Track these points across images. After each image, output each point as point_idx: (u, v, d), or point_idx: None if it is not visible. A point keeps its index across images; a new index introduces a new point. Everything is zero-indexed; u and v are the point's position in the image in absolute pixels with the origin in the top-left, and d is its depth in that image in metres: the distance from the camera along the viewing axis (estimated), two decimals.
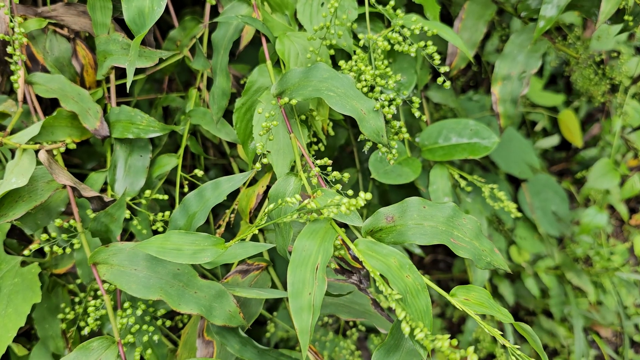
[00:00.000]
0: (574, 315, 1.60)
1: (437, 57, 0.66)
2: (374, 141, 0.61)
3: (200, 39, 0.85)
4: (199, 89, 0.85)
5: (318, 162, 0.64)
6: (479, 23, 0.95)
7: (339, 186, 0.59)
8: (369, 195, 0.47)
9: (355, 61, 0.67)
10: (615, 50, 1.37)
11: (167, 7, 0.93)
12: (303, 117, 0.68)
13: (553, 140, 1.81)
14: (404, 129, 0.68)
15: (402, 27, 0.67)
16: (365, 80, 0.64)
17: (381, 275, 0.48)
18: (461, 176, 0.93)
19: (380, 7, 0.69)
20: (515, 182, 1.69)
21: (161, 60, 0.90)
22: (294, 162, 0.64)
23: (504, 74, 0.90)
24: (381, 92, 0.65)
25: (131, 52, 0.57)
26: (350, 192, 0.56)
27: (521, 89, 0.89)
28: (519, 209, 1.66)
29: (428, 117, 1.06)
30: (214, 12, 0.87)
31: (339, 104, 0.60)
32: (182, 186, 0.79)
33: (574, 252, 1.73)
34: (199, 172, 0.76)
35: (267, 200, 0.64)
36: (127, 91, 0.61)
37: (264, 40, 0.72)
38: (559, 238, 1.80)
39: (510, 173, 1.57)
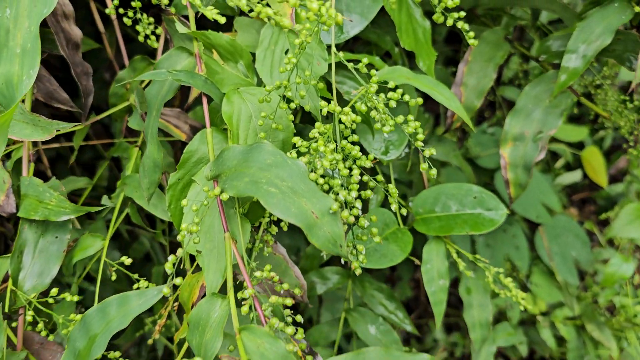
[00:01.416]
0: None
1: (421, 135, 0.49)
2: (329, 253, 0.46)
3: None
4: (143, 145, 0.70)
5: (258, 274, 0.48)
6: (488, 67, 0.79)
7: (274, 322, 0.44)
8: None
9: (314, 137, 0.51)
10: None
11: (117, 43, 0.78)
12: (247, 206, 0.53)
13: (575, 176, 1.63)
14: (393, 190, 0.51)
15: (377, 93, 0.51)
16: (322, 167, 0.48)
17: None
18: (459, 254, 0.77)
19: (350, 65, 0.53)
20: (531, 222, 1.51)
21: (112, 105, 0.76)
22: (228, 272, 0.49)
23: (516, 133, 0.73)
24: (345, 186, 0.49)
25: None
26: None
27: (536, 154, 0.72)
28: (535, 254, 1.49)
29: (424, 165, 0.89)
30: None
31: (280, 205, 0.45)
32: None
33: (593, 297, 1.56)
34: (126, 260, 0.62)
35: None
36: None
37: (205, 100, 0.57)
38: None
39: (526, 217, 1.40)
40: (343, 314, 0.88)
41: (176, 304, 0.68)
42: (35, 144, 0.83)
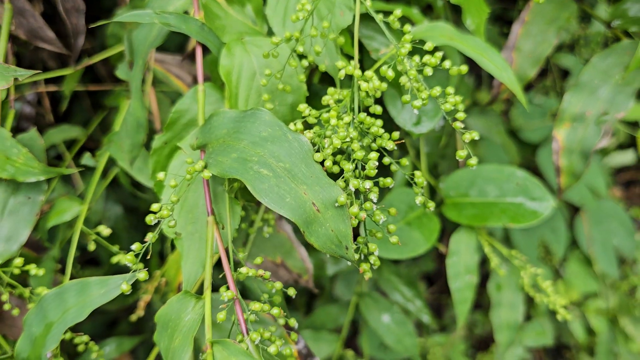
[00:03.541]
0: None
1: (461, 114, 0.39)
2: (331, 254, 0.36)
3: None
4: None
5: (244, 270, 0.39)
6: (549, 30, 0.66)
7: (254, 336, 0.35)
8: None
9: (328, 105, 0.41)
10: None
11: None
12: (236, 185, 0.43)
13: (627, 158, 1.49)
14: (420, 180, 0.40)
15: (411, 54, 0.40)
16: (332, 147, 0.38)
17: None
18: (493, 248, 0.67)
19: (379, 17, 0.42)
20: (572, 204, 1.39)
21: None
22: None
23: (575, 112, 0.61)
24: (358, 166, 0.39)
25: None
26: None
27: (598, 139, 0.60)
28: (574, 241, 1.38)
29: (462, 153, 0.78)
30: None
31: (272, 193, 0.35)
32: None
33: (630, 288, 1.45)
34: (103, 230, 0.53)
35: None
36: None
37: (198, 50, 0.47)
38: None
39: (567, 200, 1.28)
40: (354, 298, 0.79)
41: (164, 279, 0.60)
42: (35, 85, 0.75)
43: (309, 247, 0.62)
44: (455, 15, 0.68)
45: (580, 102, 0.61)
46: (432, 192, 0.71)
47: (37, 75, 0.64)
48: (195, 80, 0.65)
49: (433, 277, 1.69)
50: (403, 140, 0.41)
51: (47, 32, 0.61)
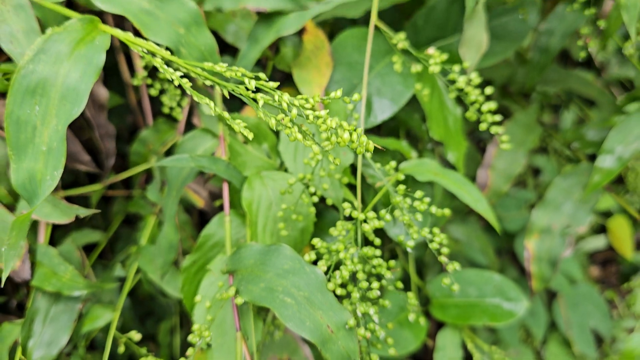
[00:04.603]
0: None
1: (445, 249, 0.48)
2: None
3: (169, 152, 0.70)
4: (160, 212, 0.69)
5: None
6: (518, 151, 0.77)
7: None
8: None
9: (337, 238, 0.50)
10: None
11: (141, 102, 0.78)
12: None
13: (599, 243, 1.59)
14: (412, 301, 0.49)
15: (405, 195, 0.50)
16: (341, 278, 0.47)
17: None
18: (475, 345, 0.74)
19: (377, 166, 0.51)
20: (550, 291, 1.47)
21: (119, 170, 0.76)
22: None
23: (543, 225, 0.71)
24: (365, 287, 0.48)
25: (12, 232, 0.41)
26: None
27: (563, 249, 0.70)
28: (553, 323, 1.45)
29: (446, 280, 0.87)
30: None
31: (295, 318, 0.43)
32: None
33: None
34: (134, 335, 0.60)
35: None
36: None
37: (225, 186, 0.56)
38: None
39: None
40: None
41: None
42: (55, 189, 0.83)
43: (312, 345, 0.69)
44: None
45: (547, 216, 0.71)
46: (419, 291, 0.79)
47: (71, 190, 0.72)
48: (210, 195, 0.73)
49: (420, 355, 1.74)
50: (398, 269, 0.50)
51: (84, 155, 0.70)
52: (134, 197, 0.82)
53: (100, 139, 0.71)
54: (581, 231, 0.69)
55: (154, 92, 0.65)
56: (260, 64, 0.69)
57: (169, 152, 0.73)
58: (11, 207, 0.61)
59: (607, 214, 1.51)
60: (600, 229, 1.64)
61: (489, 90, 0.55)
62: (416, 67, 0.60)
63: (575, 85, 0.83)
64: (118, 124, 0.77)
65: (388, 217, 0.48)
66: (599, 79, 1.19)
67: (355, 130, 0.36)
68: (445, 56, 0.58)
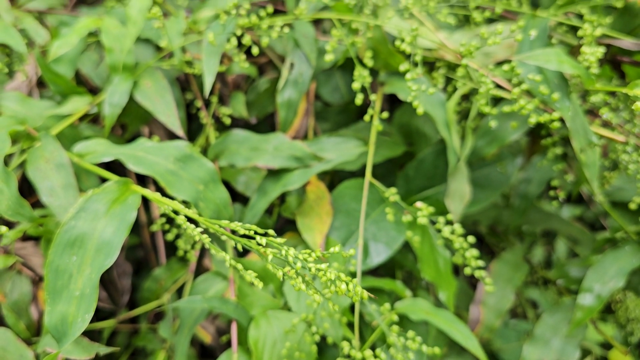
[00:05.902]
0: None
1: None
2: None
3: (181, 290, 0.75)
4: (172, 350, 0.73)
5: None
6: (507, 288, 0.82)
7: None
8: None
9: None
10: None
11: (155, 242, 0.85)
12: None
13: None
14: None
15: (399, 334, 0.55)
16: None
17: None
18: None
19: (373, 307, 0.57)
20: None
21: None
22: None
23: None
24: None
25: None
26: None
27: None
28: None
29: None
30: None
31: None
32: None
33: None
34: None
35: None
36: None
37: (234, 326, 0.61)
38: None
39: None
40: None
41: None
42: None
43: None
44: None
45: (537, 351, 0.75)
46: None
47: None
48: (217, 331, 0.78)
49: None
50: None
51: (101, 292, 0.75)
52: (141, 331, 0.85)
53: (117, 277, 0.76)
54: None
55: (170, 236, 0.72)
56: (267, 211, 0.76)
57: (180, 290, 0.78)
58: (28, 341, 0.65)
59: (607, 346, 1.51)
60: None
61: (471, 239, 0.61)
62: (407, 217, 0.67)
63: (557, 226, 0.90)
64: (128, 258, 0.83)
65: (383, 355, 0.52)
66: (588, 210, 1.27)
67: (351, 280, 0.42)
68: (431, 209, 0.65)
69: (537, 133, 0.78)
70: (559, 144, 0.73)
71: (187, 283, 0.76)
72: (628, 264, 0.69)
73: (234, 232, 0.47)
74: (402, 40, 0.61)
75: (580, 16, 0.73)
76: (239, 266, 0.46)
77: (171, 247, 0.86)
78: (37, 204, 0.76)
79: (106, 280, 0.79)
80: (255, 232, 0.45)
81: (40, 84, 0.80)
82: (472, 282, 1.00)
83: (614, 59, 0.71)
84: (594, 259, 0.73)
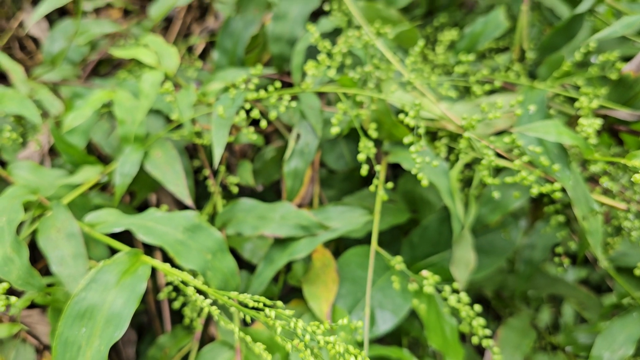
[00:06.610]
0: None
1: None
2: None
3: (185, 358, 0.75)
4: None
5: None
6: (514, 355, 0.81)
7: None
8: None
9: None
10: None
11: (159, 307, 0.85)
12: None
13: None
14: None
15: None
16: None
17: None
18: None
19: None
20: None
21: None
22: None
23: None
24: None
25: None
26: None
27: None
28: None
29: None
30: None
31: None
32: None
33: None
34: None
35: None
36: None
37: None
38: None
39: None
40: None
41: None
42: None
43: None
44: None
45: None
46: None
47: None
48: None
49: None
50: None
51: None
52: None
53: (122, 346, 0.76)
54: None
55: (177, 304, 0.72)
56: (273, 278, 0.76)
57: (185, 359, 0.78)
58: None
59: None
60: None
61: (477, 307, 0.61)
62: (413, 286, 0.68)
63: (563, 290, 0.90)
64: (132, 324, 0.83)
65: None
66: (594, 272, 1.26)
67: (360, 353, 0.42)
68: (437, 277, 0.65)
69: (539, 198, 0.80)
70: (562, 210, 0.74)
71: (192, 351, 0.75)
72: (636, 330, 0.69)
73: (241, 303, 0.48)
74: (406, 114, 0.63)
75: (577, 87, 0.76)
76: (248, 338, 0.46)
77: (176, 313, 0.86)
78: (43, 270, 0.77)
79: (111, 349, 0.78)
80: (264, 305, 0.46)
81: (52, 151, 0.83)
82: (480, 349, 0.99)
83: (611, 127, 0.73)
84: (602, 326, 0.73)
